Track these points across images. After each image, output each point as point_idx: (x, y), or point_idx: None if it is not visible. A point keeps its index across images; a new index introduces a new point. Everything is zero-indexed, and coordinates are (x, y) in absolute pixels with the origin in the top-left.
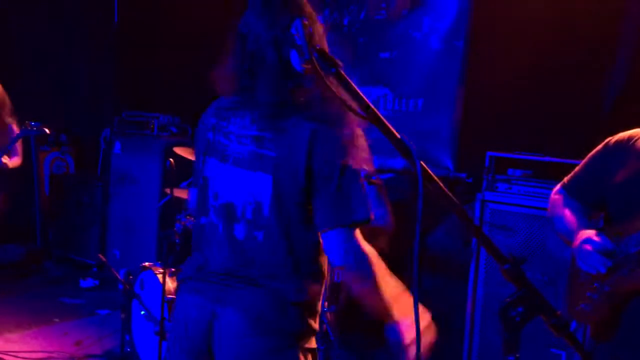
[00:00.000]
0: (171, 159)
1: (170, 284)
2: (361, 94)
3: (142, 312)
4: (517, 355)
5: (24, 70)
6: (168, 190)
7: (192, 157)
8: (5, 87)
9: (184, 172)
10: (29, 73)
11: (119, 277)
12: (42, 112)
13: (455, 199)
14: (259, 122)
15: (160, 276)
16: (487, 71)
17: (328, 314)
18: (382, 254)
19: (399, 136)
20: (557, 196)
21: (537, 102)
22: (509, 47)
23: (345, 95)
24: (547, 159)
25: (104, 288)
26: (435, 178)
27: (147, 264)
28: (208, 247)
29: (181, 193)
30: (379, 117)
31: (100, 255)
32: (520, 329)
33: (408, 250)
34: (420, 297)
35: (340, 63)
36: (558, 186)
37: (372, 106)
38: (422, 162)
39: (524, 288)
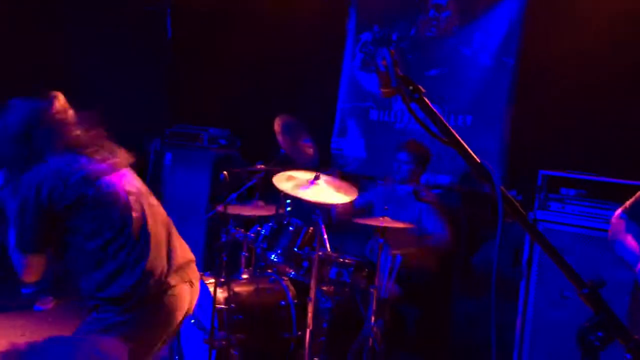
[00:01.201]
0: (225, 172)
1: (220, 294)
2: (442, 118)
3: (192, 321)
4: None
5: (79, 84)
6: (218, 203)
7: (241, 170)
8: None
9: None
10: (82, 87)
11: None
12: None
13: (532, 223)
14: None
15: (210, 286)
16: (538, 88)
17: (375, 329)
18: (433, 275)
19: (478, 160)
20: (618, 220)
21: (590, 120)
22: (561, 63)
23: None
24: (601, 179)
25: None
26: (515, 202)
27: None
28: None
29: (230, 207)
30: (459, 141)
31: None
32: (598, 353)
33: (457, 266)
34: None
35: (422, 89)
36: (619, 210)
37: (453, 130)
38: (502, 187)
39: (603, 313)
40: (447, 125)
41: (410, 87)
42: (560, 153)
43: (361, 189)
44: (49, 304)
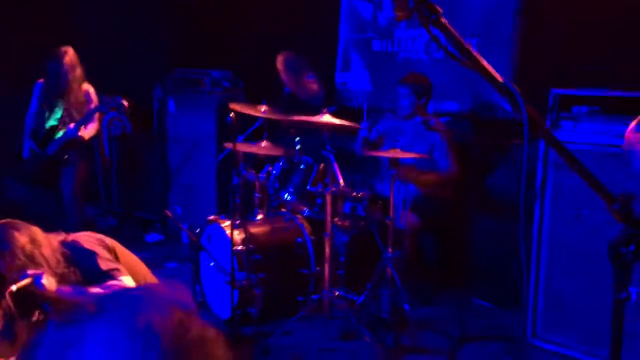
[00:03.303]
0: (232, 114)
1: (237, 236)
2: (462, 40)
3: (211, 264)
4: (629, 292)
5: (78, 31)
6: (228, 145)
7: (247, 112)
8: None
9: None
10: (81, 35)
11: (186, 230)
12: (95, 73)
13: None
14: None
15: (226, 229)
16: (547, 3)
17: (393, 260)
18: (448, 202)
19: (502, 80)
20: (634, 134)
21: (602, 34)
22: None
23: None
24: (614, 93)
25: (169, 242)
26: (542, 124)
27: (212, 217)
28: None
29: (238, 147)
30: (481, 63)
31: (167, 212)
32: (631, 266)
33: (472, 196)
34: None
35: (440, 10)
36: (633, 123)
37: (474, 51)
38: (529, 108)
39: (635, 226)
40: (468, 46)
41: (428, 8)
42: (571, 71)
43: (372, 122)
44: None
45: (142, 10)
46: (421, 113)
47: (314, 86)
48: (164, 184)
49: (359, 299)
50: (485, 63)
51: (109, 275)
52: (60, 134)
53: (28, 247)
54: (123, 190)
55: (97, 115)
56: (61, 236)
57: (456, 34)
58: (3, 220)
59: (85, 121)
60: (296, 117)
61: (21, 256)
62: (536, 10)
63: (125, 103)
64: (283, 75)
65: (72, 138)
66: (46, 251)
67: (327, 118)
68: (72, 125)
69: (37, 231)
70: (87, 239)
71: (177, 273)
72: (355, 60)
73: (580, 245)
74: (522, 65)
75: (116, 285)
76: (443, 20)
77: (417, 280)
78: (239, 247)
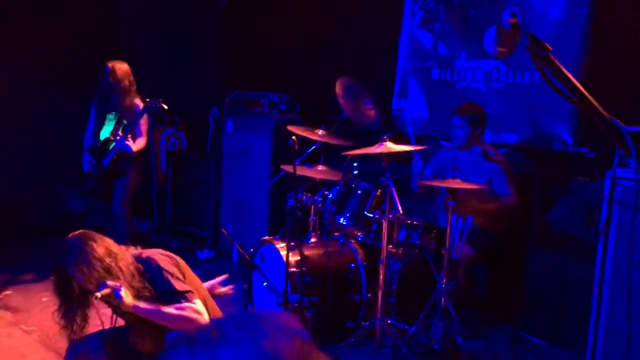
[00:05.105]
0: (294, 137)
1: (292, 258)
2: (570, 76)
3: (265, 284)
4: None
5: (136, 51)
6: (286, 167)
7: (305, 135)
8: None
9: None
10: (139, 54)
11: (240, 249)
12: (152, 92)
13: None
14: None
15: (281, 250)
16: (613, 40)
17: (447, 290)
18: (502, 234)
19: (608, 117)
20: None
21: None
22: (637, 14)
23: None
24: None
25: (219, 259)
26: None
27: (266, 237)
28: None
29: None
30: (589, 100)
31: (222, 229)
32: None
33: (530, 229)
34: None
35: (549, 48)
36: None
37: (581, 88)
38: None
39: None
40: (576, 82)
41: (540, 46)
42: (637, 107)
43: (427, 152)
44: None
45: (200, 33)
46: (478, 143)
47: (371, 112)
48: (217, 201)
49: (411, 328)
50: (594, 101)
51: (184, 296)
52: (112, 145)
53: (106, 259)
54: (176, 205)
55: (145, 129)
56: (134, 250)
57: (565, 71)
58: (79, 232)
59: (130, 129)
60: (357, 150)
61: (99, 268)
62: (601, 45)
63: (165, 106)
64: (341, 100)
65: (122, 149)
66: (122, 264)
67: (387, 146)
68: (120, 135)
69: (111, 243)
70: (161, 257)
71: None
72: (412, 88)
73: None
74: (587, 82)
75: (190, 308)
76: (552, 57)
77: (469, 311)
78: (293, 269)
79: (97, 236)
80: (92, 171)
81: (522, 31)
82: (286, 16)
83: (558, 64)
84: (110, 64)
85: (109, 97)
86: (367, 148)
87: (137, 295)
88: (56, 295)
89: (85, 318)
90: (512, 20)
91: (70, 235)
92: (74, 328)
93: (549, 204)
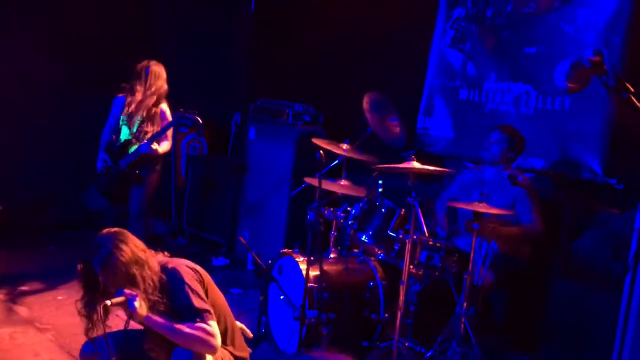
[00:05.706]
0: (322, 152)
1: (311, 272)
2: None
3: (282, 297)
4: None
5: (164, 52)
6: (309, 180)
7: (329, 148)
8: None
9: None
10: (166, 55)
11: (259, 260)
12: (176, 93)
13: None
14: None
15: (300, 264)
16: None
17: (466, 316)
18: (524, 260)
19: None
20: None
21: None
22: None
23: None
24: None
25: (234, 267)
26: None
27: (286, 250)
28: None
29: (315, 183)
30: None
31: (241, 238)
32: None
33: (556, 255)
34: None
35: (631, 89)
36: None
37: None
38: None
39: None
40: None
41: (623, 87)
42: None
43: (451, 174)
44: None
45: (228, 38)
46: (506, 166)
47: (397, 129)
48: (235, 208)
49: (428, 352)
50: None
51: (200, 315)
52: (133, 148)
53: (132, 267)
54: (193, 210)
55: (170, 133)
56: (162, 259)
57: None
58: (113, 230)
59: (158, 136)
60: (385, 165)
61: (121, 275)
62: (636, 73)
63: (199, 120)
64: (367, 115)
65: (145, 153)
66: (147, 274)
67: (414, 164)
68: (146, 140)
69: (142, 248)
70: (187, 270)
71: (241, 299)
72: (439, 107)
73: None
74: (617, 129)
75: (203, 329)
76: (633, 99)
77: (486, 338)
78: (312, 284)
79: (130, 238)
80: (105, 171)
81: (608, 72)
82: (315, 27)
83: (638, 104)
84: (152, 65)
85: (136, 97)
86: (394, 165)
87: (152, 308)
88: (80, 285)
89: (106, 311)
90: (596, 59)
91: (105, 231)
92: (94, 318)
93: (574, 232)
